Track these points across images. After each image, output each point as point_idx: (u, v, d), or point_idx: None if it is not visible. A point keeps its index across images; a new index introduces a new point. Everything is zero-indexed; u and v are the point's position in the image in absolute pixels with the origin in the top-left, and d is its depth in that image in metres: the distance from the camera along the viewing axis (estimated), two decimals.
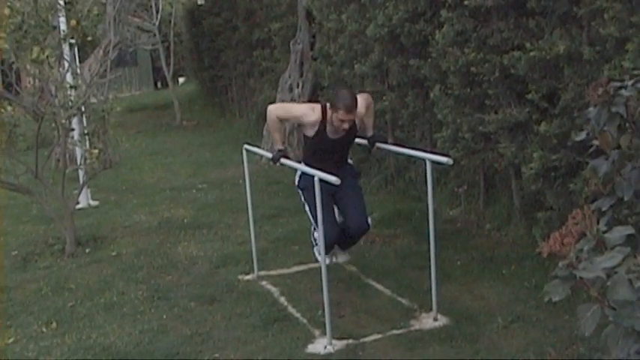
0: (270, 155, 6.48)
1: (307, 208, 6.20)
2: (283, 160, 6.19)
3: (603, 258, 2.44)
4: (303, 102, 12.14)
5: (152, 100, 26.38)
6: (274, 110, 6.33)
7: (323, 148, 6.19)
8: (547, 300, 2.59)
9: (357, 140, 6.53)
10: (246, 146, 6.87)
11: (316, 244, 6.23)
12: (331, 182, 5.24)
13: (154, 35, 22.67)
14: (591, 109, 3.12)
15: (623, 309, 2.38)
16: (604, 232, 2.57)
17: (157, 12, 21.87)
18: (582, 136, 3.22)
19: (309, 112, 6.15)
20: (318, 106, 6.20)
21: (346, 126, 5.96)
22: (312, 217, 6.07)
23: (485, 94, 7.04)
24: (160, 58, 23.22)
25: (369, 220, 6.37)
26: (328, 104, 6.05)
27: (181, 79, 30.47)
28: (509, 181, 7.45)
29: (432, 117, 8.35)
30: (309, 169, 5.66)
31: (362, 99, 6.18)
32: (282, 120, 6.41)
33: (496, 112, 6.88)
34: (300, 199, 6.32)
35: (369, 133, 6.48)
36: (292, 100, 12.63)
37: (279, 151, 6.26)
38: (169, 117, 21.25)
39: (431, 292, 5.72)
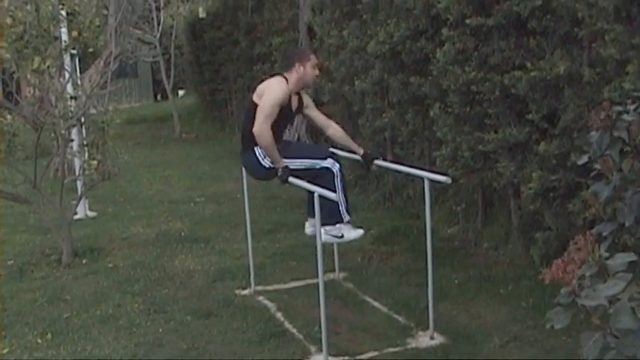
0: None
1: (296, 166, 6.04)
2: (292, 180, 5.94)
3: (606, 285, 2.44)
4: (301, 120, 12.22)
5: (152, 112, 26.39)
6: (264, 128, 5.93)
7: (284, 119, 6.22)
8: (549, 327, 2.58)
9: (353, 156, 6.55)
10: None
11: (327, 226, 6.04)
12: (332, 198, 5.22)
13: (155, 47, 22.74)
14: (593, 133, 3.12)
15: (626, 337, 2.38)
16: (606, 259, 2.56)
17: (159, 24, 21.95)
18: (584, 159, 3.22)
19: (286, 90, 6.09)
20: (281, 78, 6.16)
21: (317, 71, 6.20)
22: (310, 165, 6.05)
23: (485, 113, 7.05)
24: (160, 70, 23.24)
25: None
26: (289, 69, 6.15)
27: (181, 92, 30.49)
28: (508, 201, 7.46)
29: (431, 135, 8.36)
30: (310, 186, 5.60)
31: None
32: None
33: (496, 132, 6.89)
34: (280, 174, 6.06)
35: (360, 152, 6.45)
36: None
37: (285, 168, 5.97)
38: (168, 129, 21.27)
39: (428, 310, 5.72)
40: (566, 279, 2.53)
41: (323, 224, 5.77)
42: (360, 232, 6.19)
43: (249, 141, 6.12)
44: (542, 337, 5.49)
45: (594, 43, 5.76)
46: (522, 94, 6.45)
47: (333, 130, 6.57)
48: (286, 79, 6.12)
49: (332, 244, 6.90)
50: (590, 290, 2.47)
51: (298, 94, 6.29)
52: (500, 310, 6.12)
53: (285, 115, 6.16)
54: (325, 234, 6.00)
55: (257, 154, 6.12)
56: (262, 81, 6.30)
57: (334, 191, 5.63)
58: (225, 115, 19.41)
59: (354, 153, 6.49)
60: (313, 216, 6.23)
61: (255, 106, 6.05)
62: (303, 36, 12.58)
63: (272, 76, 6.31)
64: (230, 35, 17.43)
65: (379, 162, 6.51)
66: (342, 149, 6.57)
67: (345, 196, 6.07)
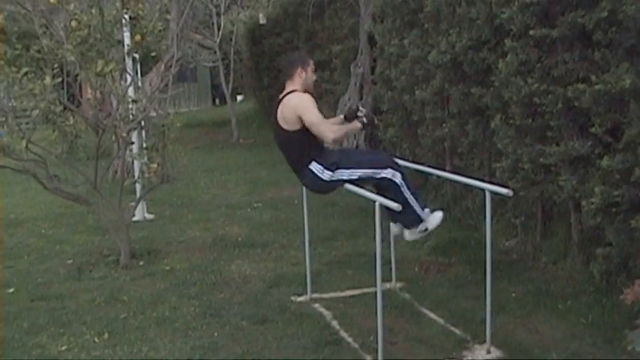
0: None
1: (357, 176, 5.98)
2: (353, 188, 5.81)
3: None
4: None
5: (210, 116, 26.63)
6: (331, 131, 5.93)
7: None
8: (630, 349, 2.53)
9: (415, 166, 6.53)
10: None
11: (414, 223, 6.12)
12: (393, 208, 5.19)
13: (215, 52, 22.92)
14: None
15: None
16: None
17: (219, 30, 22.11)
18: None
19: (308, 96, 6.06)
20: (295, 93, 6.09)
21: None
22: (370, 175, 5.98)
23: (547, 126, 6.97)
24: (219, 75, 23.41)
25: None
26: (292, 79, 6.13)
27: (239, 97, 30.71)
28: (568, 215, 7.35)
29: (491, 146, 8.29)
30: (372, 196, 5.54)
31: None
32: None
33: (557, 144, 6.80)
34: (340, 182, 6.04)
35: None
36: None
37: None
38: (226, 134, 21.41)
39: (485, 323, 5.66)
40: None
41: (407, 227, 6.07)
42: (440, 214, 6.19)
43: (299, 162, 6.09)
44: (601, 355, 5.41)
45: None
46: (586, 107, 6.36)
47: None
48: (294, 90, 6.07)
49: (389, 253, 6.91)
50: None
51: None
52: (558, 325, 6.03)
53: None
54: (410, 235, 6.16)
55: (313, 170, 6.04)
56: (278, 104, 6.19)
57: (400, 201, 5.55)
58: None
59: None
60: (395, 221, 6.26)
61: (286, 132, 6.03)
62: (363, 44, 12.58)
63: (282, 96, 6.17)
64: (290, 42, 17.51)
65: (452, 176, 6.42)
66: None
67: (416, 197, 6.05)
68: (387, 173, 5.93)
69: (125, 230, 8.41)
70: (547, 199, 7.58)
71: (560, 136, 6.85)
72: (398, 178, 5.93)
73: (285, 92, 6.15)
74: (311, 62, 6.16)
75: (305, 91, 6.10)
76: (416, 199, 6.04)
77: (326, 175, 5.99)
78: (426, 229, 6.14)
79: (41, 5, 8.43)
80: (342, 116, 6.41)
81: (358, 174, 5.90)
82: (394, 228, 6.50)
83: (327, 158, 6.03)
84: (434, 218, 6.16)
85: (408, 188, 5.96)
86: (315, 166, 6.01)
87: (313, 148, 6.03)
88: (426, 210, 6.13)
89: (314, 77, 6.20)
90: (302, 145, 6.03)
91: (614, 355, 5.35)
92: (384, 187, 5.87)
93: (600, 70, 6.30)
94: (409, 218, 6.05)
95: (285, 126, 6.01)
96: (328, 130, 5.92)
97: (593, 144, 6.48)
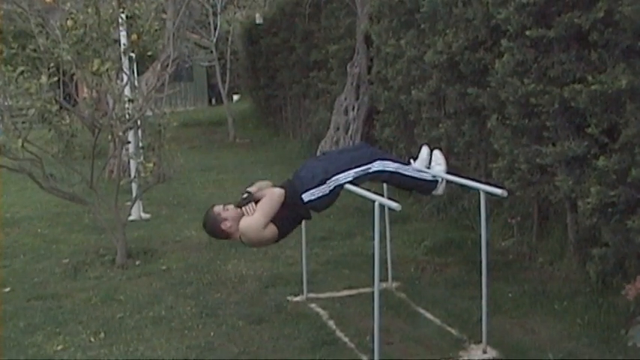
0: None
1: (352, 176, 5.74)
2: (351, 187, 5.63)
3: None
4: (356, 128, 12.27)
5: (206, 116, 26.61)
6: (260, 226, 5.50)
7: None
8: (631, 345, 2.53)
9: None
10: None
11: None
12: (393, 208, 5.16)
13: (211, 52, 22.92)
14: None
15: None
16: None
17: (215, 29, 22.11)
18: None
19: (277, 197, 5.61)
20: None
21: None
22: (362, 172, 5.78)
23: (544, 126, 6.97)
24: (215, 74, 23.41)
25: None
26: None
27: (236, 97, 30.68)
28: (564, 215, 7.36)
29: (487, 146, 8.30)
30: (372, 195, 5.46)
31: None
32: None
33: (554, 145, 6.81)
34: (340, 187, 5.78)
35: None
36: (347, 123, 12.67)
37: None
38: (223, 134, 21.41)
39: (481, 323, 5.66)
40: None
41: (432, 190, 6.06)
42: (437, 153, 6.13)
43: (299, 211, 5.76)
44: (597, 355, 5.41)
45: None
46: (582, 107, 6.37)
47: None
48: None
49: (385, 253, 6.95)
50: None
51: None
52: (554, 325, 6.03)
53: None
54: (440, 190, 6.10)
55: (311, 198, 5.68)
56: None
57: (410, 184, 5.72)
58: (280, 121, 19.48)
59: None
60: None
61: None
62: (359, 44, 12.56)
63: None
64: (286, 42, 17.48)
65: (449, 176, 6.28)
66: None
67: (420, 172, 5.96)
68: (378, 165, 5.78)
69: (121, 230, 8.40)
70: (543, 200, 7.59)
71: (557, 137, 6.86)
72: (389, 166, 5.84)
73: None
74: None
75: None
76: (420, 172, 5.97)
77: (323, 190, 5.79)
78: (442, 180, 6.03)
79: (37, 4, 8.43)
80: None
81: (352, 174, 5.79)
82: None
83: (310, 180, 5.71)
84: (437, 164, 6.05)
85: (403, 164, 5.89)
86: (308, 195, 5.66)
87: (288, 200, 5.63)
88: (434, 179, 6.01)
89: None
90: (282, 214, 5.60)
91: (610, 355, 5.36)
92: (393, 182, 5.82)
93: (597, 70, 6.31)
94: (429, 187, 6.00)
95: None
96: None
97: (589, 144, 6.49)
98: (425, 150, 6.17)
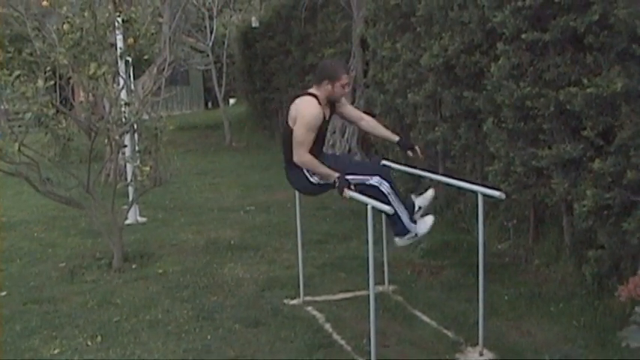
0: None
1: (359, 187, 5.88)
2: (350, 193, 5.68)
3: None
4: (352, 131, 12.21)
5: (202, 119, 26.64)
6: (303, 156, 5.85)
7: (322, 134, 6.03)
8: (624, 345, 2.54)
9: (407, 169, 6.55)
10: None
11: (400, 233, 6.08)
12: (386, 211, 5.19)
13: (207, 56, 22.94)
14: None
15: None
16: None
17: (211, 33, 22.13)
18: None
19: (321, 112, 5.88)
20: (312, 99, 5.93)
21: (347, 88, 6.05)
22: (359, 181, 5.87)
23: (540, 129, 6.99)
24: (211, 78, 23.44)
25: None
26: (318, 85, 5.93)
27: (232, 100, 30.72)
28: (560, 218, 7.38)
29: (484, 149, 8.31)
30: (365, 199, 5.49)
31: None
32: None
33: (550, 148, 6.83)
34: (329, 187, 5.98)
35: (394, 139, 6.37)
36: (343, 126, 12.66)
37: (341, 178, 5.74)
38: (219, 137, 21.42)
39: (477, 325, 5.67)
40: None
41: (396, 235, 6.01)
42: (430, 220, 6.09)
43: (290, 159, 5.99)
44: (593, 357, 5.42)
45: None
46: (578, 110, 6.38)
47: (366, 121, 6.42)
48: (316, 96, 5.93)
49: (382, 255, 6.93)
50: None
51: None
52: (551, 328, 6.05)
53: (323, 132, 6.02)
54: (400, 241, 6.09)
55: (304, 171, 5.98)
56: (294, 99, 6.10)
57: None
58: (276, 124, 19.48)
59: (390, 141, 6.47)
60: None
61: (291, 130, 5.91)
62: (355, 48, 12.60)
63: (301, 94, 6.09)
64: (282, 45, 17.52)
65: (416, 150, 6.33)
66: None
67: (406, 206, 6.02)
68: (376, 181, 5.85)
69: (118, 233, 8.40)
70: (539, 202, 7.60)
71: (552, 139, 6.87)
72: (385, 187, 5.85)
73: (306, 92, 6.05)
74: (343, 77, 5.90)
75: (328, 100, 5.98)
76: (406, 208, 6.01)
77: (315, 178, 5.94)
78: (416, 235, 6.08)
79: (34, 8, 8.43)
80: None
81: (350, 179, 5.83)
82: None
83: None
84: (424, 223, 6.08)
85: (397, 196, 5.93)
86: (309, 175, 5.94)
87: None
88: (415, 231, 6.07)
89: (344, 91, 5.97)
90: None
91: (606, 357, 5.37)
92: (371, 196, 5.79)
93: (592, 73, 6.32)
94: (397, 227, 6.00)
95: (289, 122, 5.97)
96: (300, 152, 5.84)
97: (584, 147, 6.50)
98: (430, 193, 6.27)
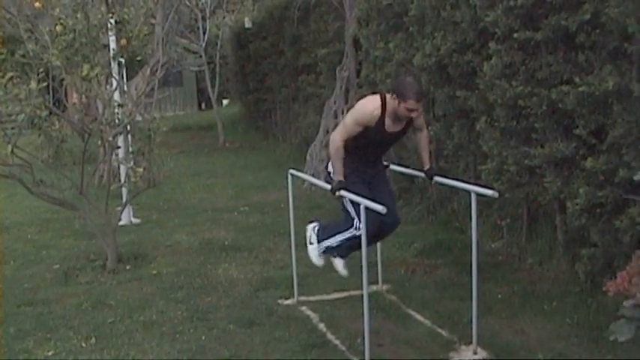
0: (322, 183, 6.42)
1: (348, 204, 5.94)
2: (343, 192, 5.80)
3: None
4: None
5: (196, 120, 26.59)
6: (336, 138, 5.89)
7: (375, 141, 5.94)
8: (612, 339, 2.56)
9: (403, 170, 6.55)
10: (291, 171, 6.89)
11: (320, 243, 6.32)
12: (378, 210, 5.21)
13: (200, 57, 22.94)
14: None
15: None
16: None
17: (204, 34, 22.12)
18: None
19: (374, 112, 5.77)
20: (377, 99, 5.83)
21: (414, 114, 5.70)
22: (354, 210, 5.86)
23: (532, 128, 7.01)
24: (205, 79, 23.44)
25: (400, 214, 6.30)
26: (390, 94, 5.74)
27: (225, 101, 30.71)
28: (553, 216, 7.40)
29: (477, 149, 8.33)
30: (359, 199, 5.49)
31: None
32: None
33: (542, 146, 6.85)
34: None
35: (426, 166, 6.28)
36: (336, 126, 12.66)
37: (340, 182, 5.84)
38: (212, 138, 21.41)
39: (471, 324, 5.68)
40: (632, 290, 2.51)
41: (322, 240, 6.31)
42: (345, 273, 6.35)
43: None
44: (587, 355, 5.44)
45: None
46: (570, 108, 6.41)
47: (420, 136, 6.33)
48: (384, 102, 5.80)
49: (376, 255, 6.96)
50: None
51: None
52: (544, 326, 6.06)
53: (373, 137, 5.87)
54: (314, 250, 6.43)
55: (328, 167, 6.17)
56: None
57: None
58: (269, 125, 19.49)
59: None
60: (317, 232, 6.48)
61: None
62: (348, 48, 12.60)
63: (376, 92, 6.07)
64: (275, 46, 17.52)
65: (439, 179, 6.25)
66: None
67: (353, 249, 6.12)
68: (360, 230, 5.68)
69: (112, 235, 8.40)
70: (532, 201, 7.62)
71: (545, 138, 6.89)
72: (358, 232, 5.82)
73: (382, 92, 5.96)
74: (409, 101, 5.58)
75: (396, 114, 5.79)
76: (352, 249, 6.16)
77: (330, 167, 6.14)
78: (334, 258, 6.38)
79: (26, 10, 8.42)
80: None
81: (352, 197, 5.78)
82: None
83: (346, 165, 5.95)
84: (342, 269, 6.36)
85: (359, 246, 5.69)
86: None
87: (352, 148, 5.90)
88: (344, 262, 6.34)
89: (409, 114, 5.71)
90: (352, 141, 5.89)
91: (599, 355, 5.39)
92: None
93: (584, 72, 6.35)
94: (335, 240, 6.23)
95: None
96: (336, 135, 5.91)
97: (577, 145, 6.53)
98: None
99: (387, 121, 5.82)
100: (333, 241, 6.23)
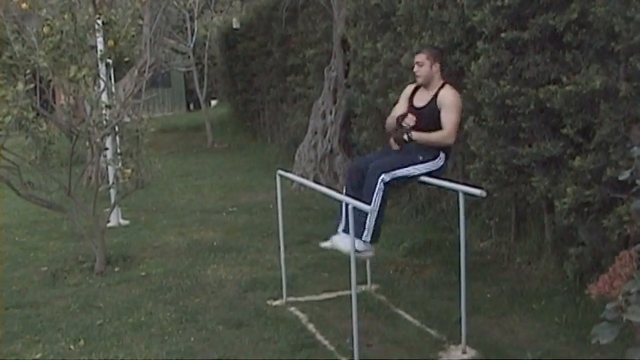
0: (310, 184, 6.47)
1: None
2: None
3: None
4: (334, 132, 12.28)
5: (184, 121, 26.58)
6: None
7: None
8: (594, 342, 2.56)
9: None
10: (280, 172, 6.88)
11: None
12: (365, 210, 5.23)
13: (189, 57, 22.91)
14: (635, 148, 3.08)
15: None
16: None
17: (192, 34, 22.09)
18: (626, 175, 3.18)
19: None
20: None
21: (415, 69, 6.62)
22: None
23: (520, 127, 7.01)
24: (193, 80, 23.42)
25: (385, 177, 6.28)
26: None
27: (214, 102, 30.68)
28: (541, 215, 7.41)
29: (464, 148, 8.33)
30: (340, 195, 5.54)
31: (449, 92, 6.49)
32: None
33: (530, 146, 6.85)
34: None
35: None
36: (325, 127, 12.67)
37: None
38: (201, 139, 21.40)
39: (460, 324, 5.69)
40: (613, 294, 2.51)
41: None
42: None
43: None
44: (575, 353, 5.45)
45: (631, 58, 5.72)
46: (557, 108, 6.42)
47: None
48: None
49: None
50: (636, 306, 2.44)
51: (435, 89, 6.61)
52: (533, 325, 6.08)
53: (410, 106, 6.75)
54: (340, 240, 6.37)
55: None
56: None
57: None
58: (258, 125, 19.48)
59: None
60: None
61: None
62: (336, 48, 12.59)
63: None
64: (263, 46, 17.51)
65: (426, 178, 6.41)
66: None
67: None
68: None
69: (100, 236, 8.37)
70: (520, 200, 7.64)
71: (533, 138, 6.90)
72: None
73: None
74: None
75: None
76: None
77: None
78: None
79: (13, 11, 8.38)
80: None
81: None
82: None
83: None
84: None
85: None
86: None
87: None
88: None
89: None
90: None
91: (588, 353, 5.40)
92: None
93: (571, 71, 6.36)
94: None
95: None
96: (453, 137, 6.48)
97: (564, 145, 6.54)
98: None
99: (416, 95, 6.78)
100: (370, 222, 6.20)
